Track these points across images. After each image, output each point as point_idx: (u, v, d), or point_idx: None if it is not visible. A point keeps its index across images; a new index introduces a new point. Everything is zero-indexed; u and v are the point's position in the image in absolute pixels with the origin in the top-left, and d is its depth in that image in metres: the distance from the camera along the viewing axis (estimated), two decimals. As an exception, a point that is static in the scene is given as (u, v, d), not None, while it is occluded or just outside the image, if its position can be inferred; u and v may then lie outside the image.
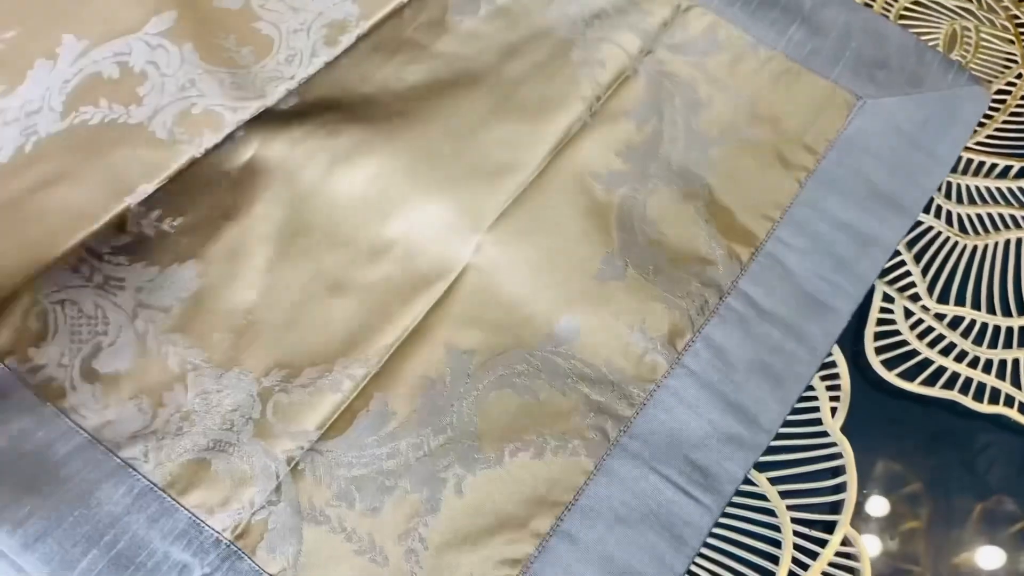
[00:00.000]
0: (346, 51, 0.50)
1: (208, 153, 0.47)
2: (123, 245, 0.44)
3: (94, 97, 0.48)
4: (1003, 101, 0.55)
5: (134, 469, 0.40)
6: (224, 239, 0.45)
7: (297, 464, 0.40)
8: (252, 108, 0.48)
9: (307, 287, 0.44)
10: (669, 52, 0.52)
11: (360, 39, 0.51)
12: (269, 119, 0.48)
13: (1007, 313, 0.49)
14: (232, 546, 0.39)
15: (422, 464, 0.40)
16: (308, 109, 0.48)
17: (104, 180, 0.46)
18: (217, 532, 0.39)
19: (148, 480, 0.40)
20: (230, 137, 0.47)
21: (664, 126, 0.49)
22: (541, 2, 0.53)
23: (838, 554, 0.42)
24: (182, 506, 0.39)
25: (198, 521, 0.39)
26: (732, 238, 0.47)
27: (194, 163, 0.47)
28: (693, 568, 0.41)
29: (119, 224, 0.45)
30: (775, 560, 0.42)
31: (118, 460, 0.40)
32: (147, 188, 0.46)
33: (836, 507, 0.43)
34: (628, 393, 0.43)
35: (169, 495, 0.39)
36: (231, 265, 0.44)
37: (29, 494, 0.39)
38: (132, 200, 0.46)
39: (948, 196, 0.52)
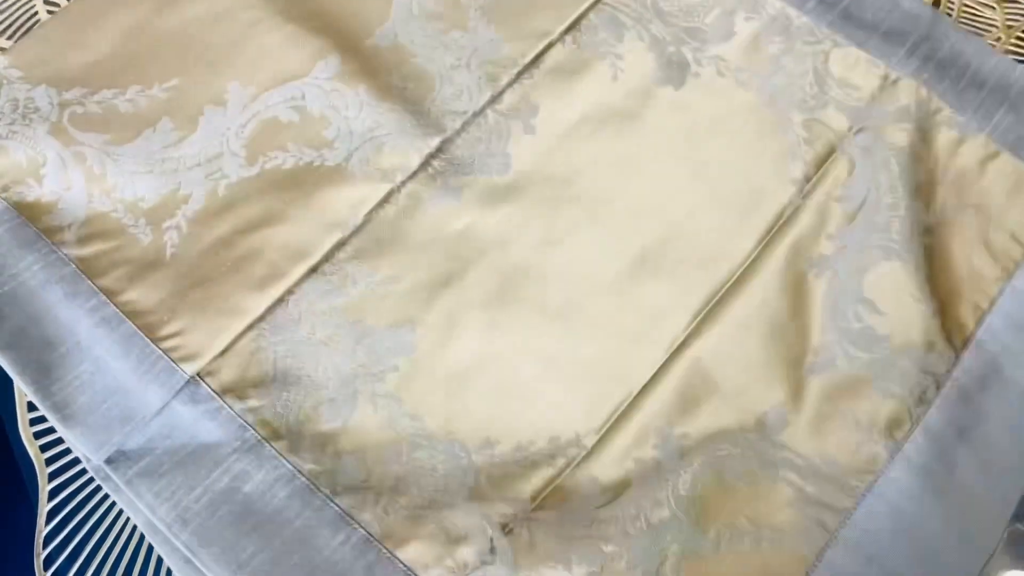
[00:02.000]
0: (549, 122, 0.51)
1: (422, 217, 0.49)
2: (340, 305, 0.46)
3: (280, 142, 0.50)
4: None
5: (352, 518, 0.41)
6: (440, 304, 0.46)
7: (512, 528, 0.41)
8: (435, 142, 0.50)
9: (518, 359, 0.45)
10: (877, 128, 0.50)
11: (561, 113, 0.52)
12: (487, 190, 0.49)
13: None
14: (446, 602, 0.40)
15: (641, 538, 0.40)
16: (523, 182, 0.50)
17: (314, 217, 0.48)
18: (431, 586, 0.40)
19: (365, 530, 0.41)
20: (445, 202, 0.49)
21: (875, 205, 0.48)
22: (745, 76, 0.53)
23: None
24: (398, 559, 0.40)
25: (413, 575, 0.40)
26: (945, 323, 0.46)
27: (407, 226, 0.48)
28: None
29: (339, 282, 0.47)
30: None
31: (336, 508, 0.41)
32: (355, 220, 0.48)
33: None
34: (845, 485, 0.42)
35: (386, 547, 0.41)
36: (447, 331, 0.46)
37: (250, 535, 0.41)
38: (343, 233, 0.48)
39: None
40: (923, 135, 0.51)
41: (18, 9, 0.55)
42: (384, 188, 0.49)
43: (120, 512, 0.44)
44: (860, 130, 0.51)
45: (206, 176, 0.49)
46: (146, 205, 0.48)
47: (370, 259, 0.47)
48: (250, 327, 0.45)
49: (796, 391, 0.45)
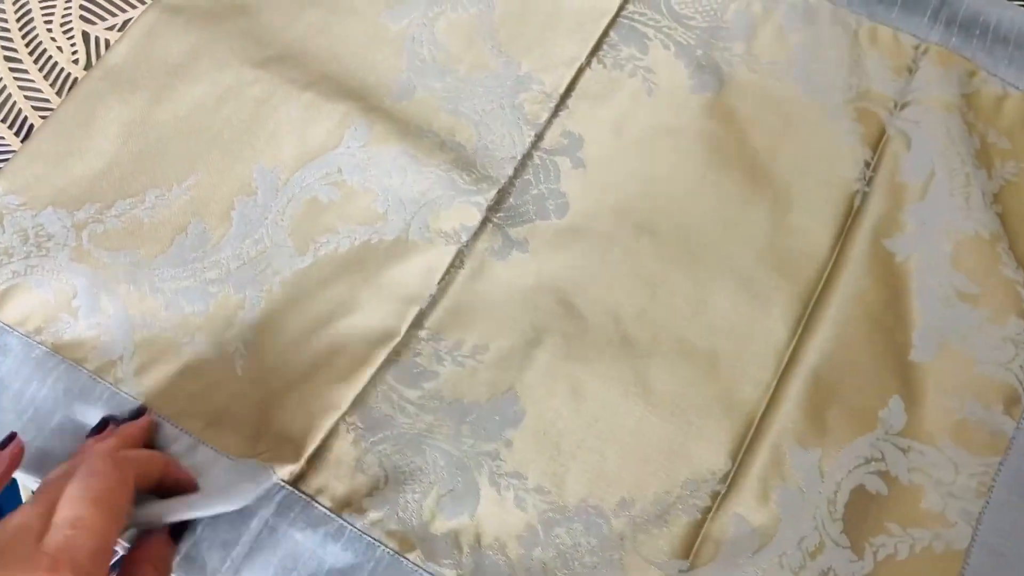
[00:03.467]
0: (596, 152, 0.49)
1: (493, 276, 0.46)
2: (432, 388, 0.43)
3: (327, 223, 0.47)
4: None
5: (500, 612, 0.39)
6: (535, 365, 0.44)
7: (676, 591, 0.39)
8: (492, 195, 0.47)
9: (626, 406, 0.43)
10: (922, 100, 0.50)
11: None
12: (552, 236, 0.47)
13: None
14: None
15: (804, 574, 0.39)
16: (585, 220, 0.48)
17: (386, 297, 0.45)
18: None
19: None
20: (512, 257, 0.47)
21: (943, 177, 0.47)
22: (779, 70, 0.51)
23: None
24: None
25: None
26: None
27: (480, 289, 0.46)
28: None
29: (424, 364, 0.44)
30: None
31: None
32: (430, 290, 0.45)
33: None
34: (977, 468, 0.42)
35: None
36: (549, 392, 0.44)
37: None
38: (421, 306, 0.45)
39: None
40: (967, 100, 0.50)
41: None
42: (451, 250, 0.46)
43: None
44: (905, 105, 0.50)
45: (256, 275, 0.45)
46: (199, 319, 0.44)
47: (451, 333, 0.45)
48: (341, 424, 0.42)
49: (907, 381, 0.44)
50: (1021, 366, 0.44)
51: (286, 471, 0.41)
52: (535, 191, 0.48)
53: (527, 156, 0.49)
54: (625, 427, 0.43)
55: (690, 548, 0.40)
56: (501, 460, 0.42)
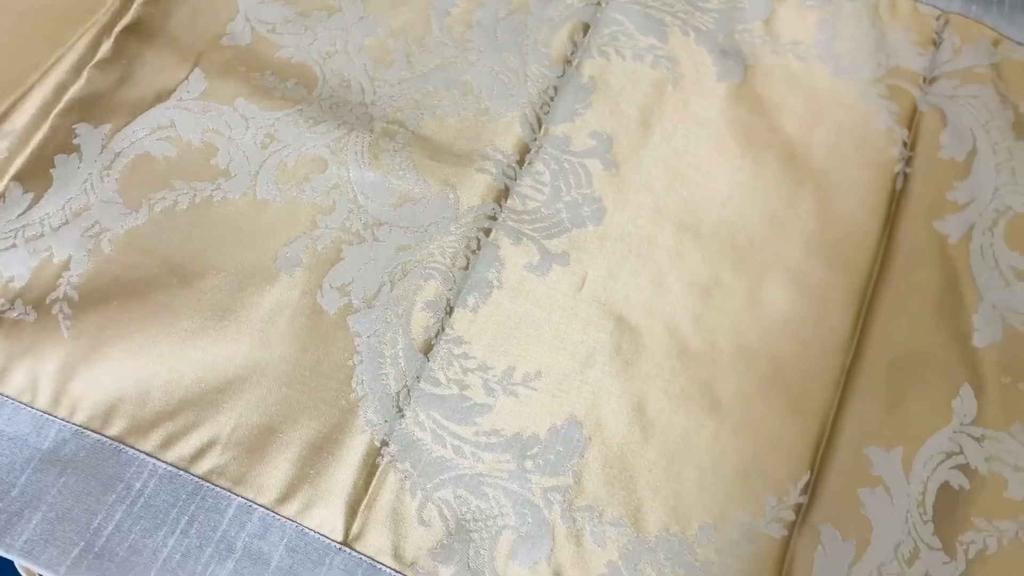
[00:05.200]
0: (627, 151, 0.46)
1: (536, 295, 0.43)
2: (486, 423, 0.40)
3: (164, 180, 0.43)
4: None
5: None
6: (591, 386, 0.41)
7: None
8: (336, 134, 0.45)
9: (691, 423, 0.41)
10: (951, 74, 0.48)
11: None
12: (591, 244, 0.44)
13: None
14: None
15: None
16: (623, 224, 0.45)
17: (253, 254, 0.42)
18: None
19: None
20: (554, 271, 0.43)
21: (984, 150, 0.46)
22: (802, 49, 0.49)
23: None
24: None
25: None
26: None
27: (524, 311, 0.43)
28: None
29: (474, 397, 0.41)
30: None
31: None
32: (299, 256, 0.42)
33: None
34: None
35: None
36: (610, 414, 0.41)
37: None
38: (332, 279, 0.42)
39: None
40: (996, 70, 0.49)
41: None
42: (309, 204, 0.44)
43: None
44: (934, 79, 0.48)
45: (82, 234, 0.42)
46: (17, 284, 0.41)
47: (498, 361, 0.41)
48: (392, 470, 0.38)
49: (974, 367, 0.42)
50: (1085, 340, 0.43)
51: (338, 531, 0.37)
52: (567, 198, 0.45)
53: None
54: (698, 446, 0.40)
55: (780, 568, 0.38)
56: (572, 495, 0.39)
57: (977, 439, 0.41)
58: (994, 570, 0.39)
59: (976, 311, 0.43)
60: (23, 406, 0.39)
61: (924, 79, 0.49)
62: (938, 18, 0.50)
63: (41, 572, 0.36)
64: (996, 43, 0.50)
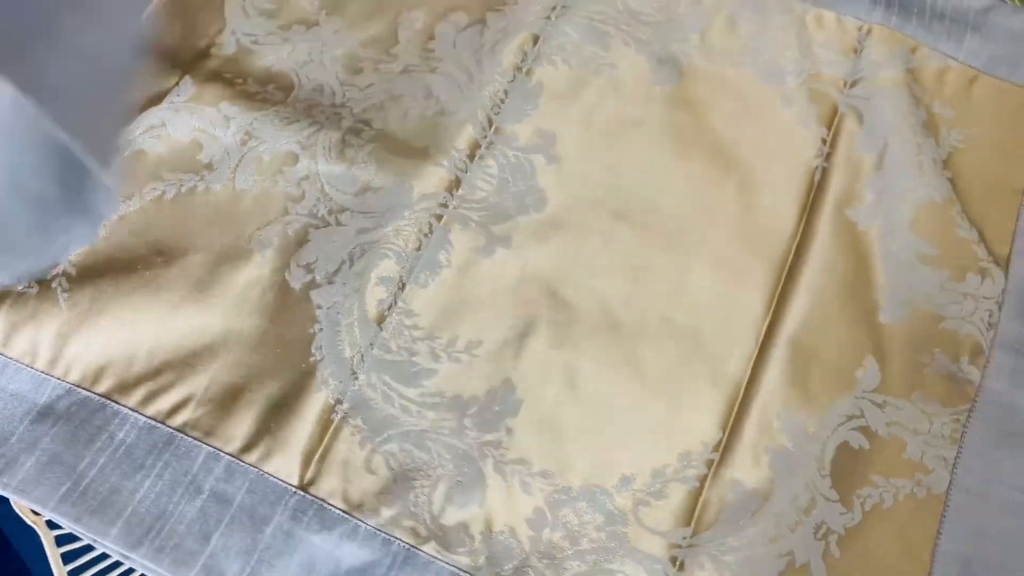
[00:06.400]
0: (569, 147, 0.51)
1: (480, 274, 0.48)
2: (432, 386, 0.45)
3: (154, 173, 0.49)
4: None
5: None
6: (529, 354, 0.46)
7: (683, 560, 0.41)
8: (308, 132, 0.50)
9: (617, 388, 0.45)
10: (870, 78, 0.53)
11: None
12: (533, 230, 0.49)
13: None
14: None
15: (802, 531, 0.41)
16: (564, 213, 0.49)
17: (230, 237, 0.48)
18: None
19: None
20: (498, 253, 0.48)
21: (896, 148, 0.50)
22: (734, 57, 0.54)
23: None
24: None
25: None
26: (988, 246, 0.49)
27: (469, 286, 0.47)
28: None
29: (422, 362, 0.45)
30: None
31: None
32: (272, 238, 0.48)
33: None
34: (946, 421, 0.44)
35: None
36: (543, 380, 0.45)
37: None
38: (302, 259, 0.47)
39: None
40: (912, 74, 0.53)
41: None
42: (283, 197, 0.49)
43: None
44: (855, 83, 0.53)
45: None
46: None
47: (444, 331, 0.46)
48: (345, 426, 0.43)
49: (879, 341, 0.46)
50: (981, 319, 0.47)
51: (294, 476, 0.42)
52: (513, 188, 0.50)
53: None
54: (621, 407, 0.45)
55: (691, 515, 0.42)
56: (504, 449, 0.43)
57: (879, 405, 0.45)
58: (889, 521, 0.42)
59: (883, 291, 0.48)
60: (24, 367, 0.44)
61: (845, 83, 0.53)
62: (860, 28, 0.55)
63: (32, 507, 0.41)
64: (914, 50, 0.54)
